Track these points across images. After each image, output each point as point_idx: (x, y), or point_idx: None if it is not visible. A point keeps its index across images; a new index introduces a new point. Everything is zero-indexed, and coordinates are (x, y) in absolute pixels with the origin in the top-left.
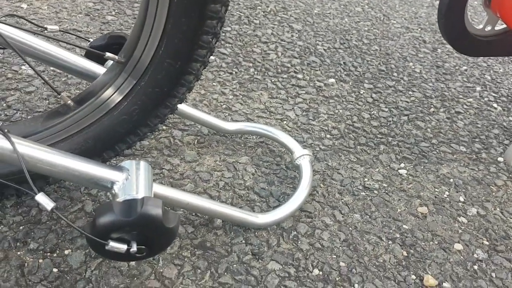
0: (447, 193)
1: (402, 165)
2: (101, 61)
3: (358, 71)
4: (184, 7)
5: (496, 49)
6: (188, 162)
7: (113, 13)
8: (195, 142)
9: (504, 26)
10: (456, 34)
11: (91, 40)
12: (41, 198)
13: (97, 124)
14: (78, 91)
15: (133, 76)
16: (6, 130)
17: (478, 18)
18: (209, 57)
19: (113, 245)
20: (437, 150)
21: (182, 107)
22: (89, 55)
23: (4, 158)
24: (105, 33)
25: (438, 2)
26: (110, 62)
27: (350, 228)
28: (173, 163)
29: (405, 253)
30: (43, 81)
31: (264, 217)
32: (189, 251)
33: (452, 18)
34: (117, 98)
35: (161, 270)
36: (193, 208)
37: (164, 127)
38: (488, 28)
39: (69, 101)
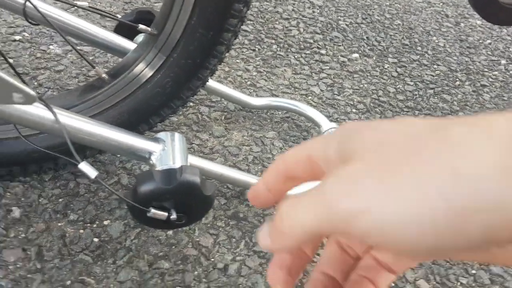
0: None
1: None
2: (130, 36)
3: (381, 45)
4: None
5: None
6: (216, 137)
7: None
8: (222, 118)
9: None
10: (485, 3)
11: (119, 16)
12: (85, 167)
13: (132, 97)
14: (105, 69)
15: (166, 48)
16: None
17: None
18: (240, 27)
19: (155, 212)
20: None
21: (209, 82)
22: (118, 31)
23: (47, 128)
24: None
25: None
26: (139, 38)
27: None
28: (202, 138)
29: None
30: (71, 60)
31: (296, 189)
32: (223, 221)
33: None
34: (150, 71)
35: (198, 239)
36: (225, 179)
37: (191, 104)
38: None
39: (104, 75)
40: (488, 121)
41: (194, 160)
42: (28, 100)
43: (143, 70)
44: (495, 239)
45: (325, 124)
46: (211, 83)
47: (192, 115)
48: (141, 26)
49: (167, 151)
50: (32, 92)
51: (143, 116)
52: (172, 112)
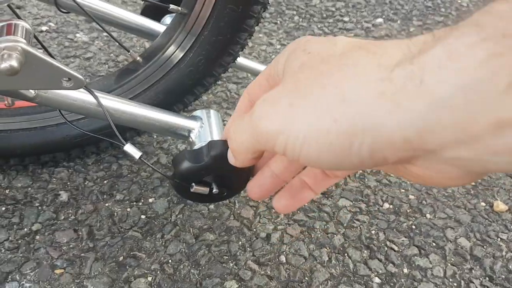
0: None
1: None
2: (157, 17)
3: (405, 9)
4: None
5: None
6: None
7: None
8: None
9: None
10: None
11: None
12: (129, 148)
13: (166, 77)
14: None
15: (196, 27)
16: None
17: None
18: None
19: (197, 187)
20: None
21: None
22: (145, 13)
23: (90, 112)
24: None
25: None
26: (166, 19)
27: None
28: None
29: (473, 182)
30: (99, 47)
31: None
32: None
33: None
34: (182, 51)
35: (239, 212)
36: None
37: (219, 82)
38: None
39: (138, 58)
40: (384, 49)
41: None
42: (77, 84)
43: (176, 51)
44: (383, 159)
45: None
46: (238, 59)
47: (221, 93)
48: (172, 6)
49: (204, 128)
50: (80, 77)
51: (178, 96)
52: (205, 90)
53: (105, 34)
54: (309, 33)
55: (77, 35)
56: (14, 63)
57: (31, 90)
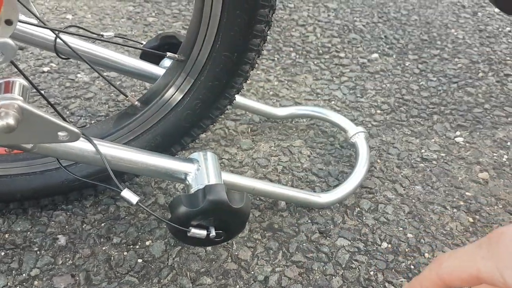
0: (505, 156)
1: (458, 133)
2: (156, 61)
3: (400, 43)
4: (237, 1)
5: None
6: (244, 150)
7: (153, 14)
8: (249, 130)
9: None
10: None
11: (144, 43)
12: (127, 194)
13: (164, 121)
14: (133, 92)
15: (193, 73)
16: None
17: None
18: (262, 46)
19: (194, 231)
20: (491, 115)
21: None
22: (144, 57)
23: (89, 159)
24: (150, 34)
25: None
26: (165, 62)
27: (413, 200)
28: (231, 152)
29: (471, 220)
30: (99, 87)
31: (326, 196)
32: (259, 233)
33: None
34: (180, 95)
35: (236, 253)
36: (258, 192)
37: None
38: None
39: (136, 102)
40: None
41: (227, 177)
42: (73, 137)
43: (173, 95)
44: None
45: (351, 128)
46: (236, 97)
47: (219, 130)
48: (169, 54)
49: (201, 171)
50: (76, 130)
51: (175, 138)
52: (202, 131)
53: (106, 74)
54: (306, 69)
55: (78, 75)
56: (11, 121)
57: None
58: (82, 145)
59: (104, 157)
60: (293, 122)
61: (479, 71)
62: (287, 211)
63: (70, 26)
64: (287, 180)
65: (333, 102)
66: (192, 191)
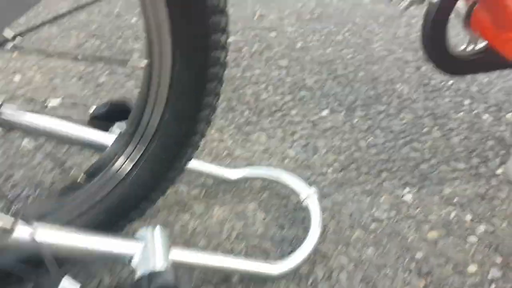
0: (453, 213)
1: (406, 190)
2: (104, 128)
3: (348, 99)
4: (186, 74)
5: (480, 65)
6: (198, 216)
7: (105, 73)
8: (202, 194)
9: (486, 43)
10: (441, 58)
11: (94, 107)
12: (66, 283)
13: (110, 195)
14: (80, 158)
15: (142, 143)
16: (23, 214)
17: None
18: (212, 116)
19: None
20: (437, 170)
21: None
22: (92, 123)
23: (27, 247)
24: (102, 94)
25: (414, 20)
26: (115, 129)
27: (366, 264)
28: (183, 219)
29: (423, 283)
30: (45, 153)
31: (280, 266)
32: None
33: (435, 45)
34: (128, 167)
35: None
36: (210, 268)
37: None
38: (471, 47)
39: (81, 177)
40: None
41: (176, 254)
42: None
43: (122, 166)
44: None
45: (303, 191)
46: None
47: (171, 195)
48: (118, 124)
49: (147, 252)
50: (7, 226)
51: (123, 213)
52: (152, 204)
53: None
54: (259, 128)
55: (23, 143)
56: None
57: None
58: (19, 234)
59: (43, 244)
60: (248, 183)
61: (424, 126)
62: (241, 284)
63: (11, 98)
64: (241, 248)
65: (286, 161)
66: (136, 278)
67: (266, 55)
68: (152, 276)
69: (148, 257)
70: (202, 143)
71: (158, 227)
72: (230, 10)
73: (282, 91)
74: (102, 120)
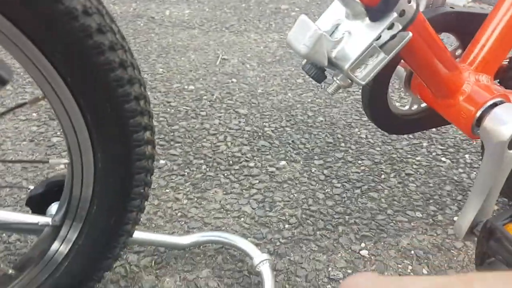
0: (410, 267)
1: (363, 244)
2: (44, 207)
3: (307, 147)
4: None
5: (426, 123)
6: None
7: (58, 133)
8: (153, 264)
9: None
10: (386, 121)
11: (30, 187)
12: None
13: (44, 284)
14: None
15: (71, 235)
16: None
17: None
18: (143, 206)
19: None
20: (394, 221)
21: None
22: (30, 205)
23: None
24: (54, 156)
25: None
26: (52, 208)
27: None
28: None
29: None
30: None
31: None
32: None
33: (378, 109)
34: (56, 261)
35: None
36: None
37: None
38: (414, 107)
39: (10, 271)
40: None
41: None
42: None
43: (50, 260)
44: None
45: (257, 256)
46: (135, 233)
47: (119, 268)
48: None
49: None
50: None
51: None
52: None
53: None
54: (216, 183)
55: None
56: None
57: None
58: None
59: None
60: (201, 247)
61: (382, 172)
62: None
63: None
64: None
65: (242, 218)
66: None
67: (226, 103)
68: None
69: None
70: (155, 203)
71: None
72: (193, 55)
73: (241, 141)
74: (39, 202)
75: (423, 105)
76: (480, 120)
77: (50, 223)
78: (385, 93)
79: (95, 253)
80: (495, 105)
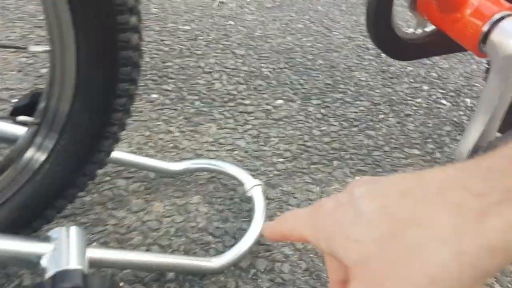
0: None
1: (357, 177)
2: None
3: (305, 88)
4: (93, 57)
5: (430, 49)
6: (135, 212)
7: (48, 65)
8: (142, 189)
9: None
10: (389, 43)
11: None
12: None
13: (21, 191)
14: None
15: (51, 136)
16: None
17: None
18: (129, 105)
19: None
20: (391, 157)
21: (121, 155)
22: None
23: None
24: (42, 86)
25: None
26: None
27: (311, 255)
28: (118, 217)
29: None
30: None
31: (218, 260)
32: None
33: (381, 29)
34: (38, 161)
35: None
36: (138, 267)
37: (106, 178)
38: (419, 30)
39: None
40: (433, 220)
41: (96, 253)
42: None
43: (31, 159)
44: None
45: (248, 181)
46: (124, 155)
47: (107, 191)
48: (19, 118)
49: (60, 250)
50: None
51: (36, 211)
52: (70, 202)
53: None
54: (210, 118)
55: None
56: None
57: None
58: None
59: None
60: (193, 176)
61: (380, 112)
62: (175, 281)
63: None
64: (179, 243)
65: (236, 152)
66: (44, 279)
67: (222, 43)
68: (57, 276)
69: (59, 257)
70: (147, 134)
71: (73, 227)
72: None
73: (237, 80)
74: (24, 113)
75: (428, 28)
76: (487, 35)
77: (29, 122)
78: (390, 13)
79: (77, 156)
80: (502, 18)
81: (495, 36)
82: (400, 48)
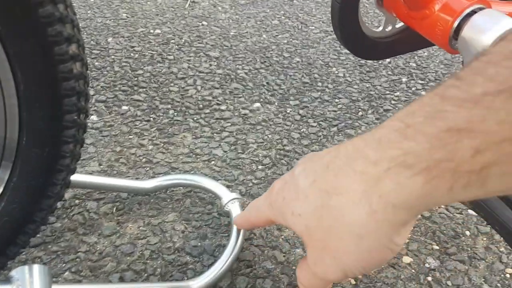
0: None
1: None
2: None
3: (282, 88)
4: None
5: (401, 47)
6: (107, 236)
7: None
8: (114, 210)
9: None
10: (357, 43)
11: None
12: None
13: None
14: None
15: (3, 176)
16: None
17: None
18: (81, 134)
19: None
20: None
21: (88, 178)
22: None
23: None
24: None
25: None
26: None
27: (293, 267)
28: (89, 242)
29: (353, 281)
30: None
31: (196, 283)
32: None
33: (348, 28)
34: None
35: None
36: None
37: (76, 201)
38: (389, 28)
39: None
40: (347, 188)
41: None
42: None
43: None
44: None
45: (226, 195)
46: (91, 178)
47: (77, 215)
48: None
49: None
50: None
51: None
52: (30, 237)
53: None
54: (184, 128)
55: None
56: None
57: None
58: None
59: None
60: (168, 192)
61: (359, 109)
62: None
63: None
64: (155, 267)
65: (213, 162)
66: None
67: (196, 46)
68: None
69: None
70: (118, 150)
71: (35, 265)
72: None
73: (212, 85)
74: None
75: (398, 25)
76: (458, 30)
77: None
78: (356, 11)
79: (31, 192)
80: (473, 12)
81: (466, 32)
82: (369, 47)
